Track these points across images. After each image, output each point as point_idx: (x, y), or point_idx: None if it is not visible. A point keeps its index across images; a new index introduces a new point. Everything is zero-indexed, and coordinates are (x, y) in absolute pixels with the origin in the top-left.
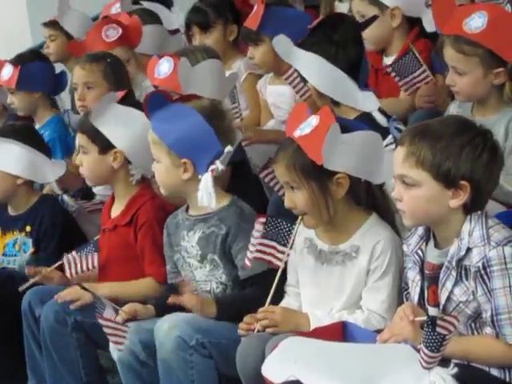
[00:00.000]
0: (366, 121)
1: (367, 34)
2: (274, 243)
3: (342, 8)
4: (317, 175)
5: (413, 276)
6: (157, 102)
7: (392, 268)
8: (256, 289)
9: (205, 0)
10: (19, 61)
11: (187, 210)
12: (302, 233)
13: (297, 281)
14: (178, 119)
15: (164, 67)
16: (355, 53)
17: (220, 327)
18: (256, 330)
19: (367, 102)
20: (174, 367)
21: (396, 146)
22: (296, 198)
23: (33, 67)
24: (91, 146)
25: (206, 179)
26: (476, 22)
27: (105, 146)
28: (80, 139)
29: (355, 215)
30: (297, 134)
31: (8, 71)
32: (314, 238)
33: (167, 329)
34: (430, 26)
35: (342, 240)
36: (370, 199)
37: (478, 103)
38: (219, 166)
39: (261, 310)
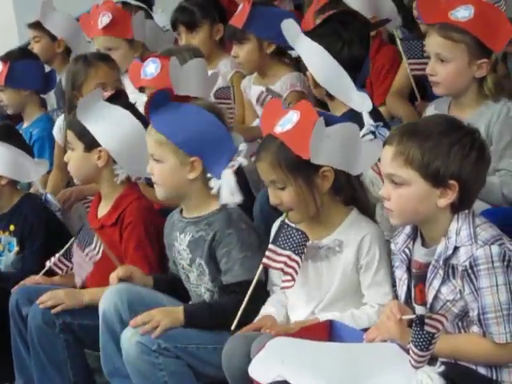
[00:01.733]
0: (355, 115)
1: None
2: (288, 252)
3: None
4: (303, 170)
5: (400, 274)
6: (161, 101)
7: (384, 260)
8: (233, 297)
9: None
10: (8, 58)
11: (181, 211)
12: None
13: (279, 282)
14: (186, 118)
15: (150, 68)
16: (359, 52)
17: (187, 332)
18: None
19: (361, 102)
20: (143, 370)
21: (384, 145)
22: (282, 195)
23: (22, 65)
24: (77, 143)
25: (228, 175)
26: (462, 13)
27: (90, 143)
28: (68, 136)
29: (337, 209)
30: (278, 130)
31: None
32: None
33: (129, 335)
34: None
35: (324, 235)
36: (350, 191)
37: (455, 101)
38: (243, 161)
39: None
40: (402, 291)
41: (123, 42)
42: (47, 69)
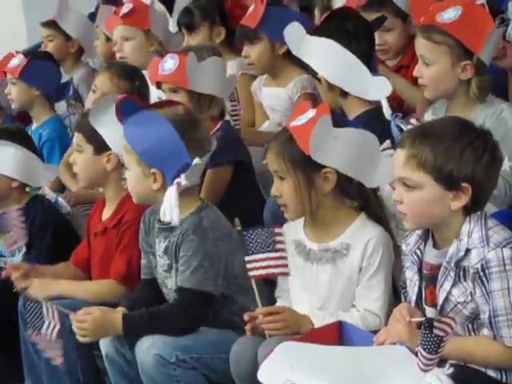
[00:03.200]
0: (371, 115)
1: None
2: (263, 255)
3: (339, 3)
4: (304, 166)
5: (411, 275)
6: (129, 108)
7: (384, 266)
8: (176, 302)
9: (195, 1)
10: (30, 53)
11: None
12: (290, 235)
13: (285, 285)
14: (148, 127)
15: (169, 63)
16: (367, 47)
17: (202, 343)
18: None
19: (379, 87)
20: (159, 382)
21: (395, 149)
22: (283, 187)
23: (41, 64)
24: (86, 146)
25: (170, 193)
26: (449, 14)
27: (100, 146)
28: (76, 138)
29: (344, 213)
30: (292, 124)
31: (17, 60)
32: (302, 239)
33: (146, 348)
34: None
35: (330, 238)
36: (362, 201)
37: (451, 104)
38: (183, 180)
39: (263, 311)
40: (412, 292)
41: (140, 33)
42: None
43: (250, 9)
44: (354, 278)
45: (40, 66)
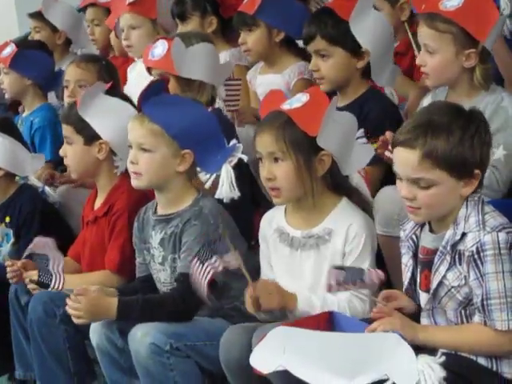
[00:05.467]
0: (375, 94)
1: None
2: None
3: None
4: (304, 148)
5: (405, 260)
6: (157, 92)
7: (368, 250)
8: (174, 289)
9: None
10: (21, 43)
11: (155, 208)
12: (272, 224)
13: (271, 273)
14: (182, 110)
15: (158, 49)
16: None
17: (195, 330)
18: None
19: (391, 76)
20: (153, 371)
21: (397, 147)
22: (277, 170)
23: (32, 54)
24: (76, 137)
25: (227, 171)
26: (452, 2)
27: (90, 136)
28: (65, 130)
29: (327, 198)
30: (285, 107)
31: (9, 49)
32: (284, 227)
33: (140, 337)
34: None
35: (313, 224)
36: (345, 188)
37: (451, 91)
38: (244, 157)
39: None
40: (405, 277)
41: (147, 22)
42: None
43: None
44: (336, 261)
45: (31, 56)
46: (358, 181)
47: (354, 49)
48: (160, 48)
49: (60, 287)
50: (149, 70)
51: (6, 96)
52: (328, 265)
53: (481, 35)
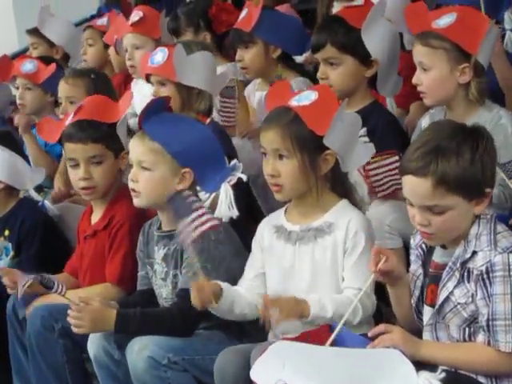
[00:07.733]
0: (377, 107)
1: None
2: (188, 218)
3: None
4: (310, 147)
5: (414, 269)
6: (157, 110)
7: (369, 246)
8: (173, 304)
9: (182, 7)
10: (50, 61)
11: (160, 223)
12: (270, 221)
13: (257, 275)
14: (183, 129)
15: (158, 56)
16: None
17: (193, 344)
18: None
19: (395, 86)
20: None
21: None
22: (282, 167)
23: (59, 72)
24: (108, 154)
25: (227, 190)
26: (445, 20)
27: (118, 149)
28: (93, 150)
29: (328, 197)
30: (293, 104)
31: (33, 66)
32: (283, 223)
33: (137, 350)
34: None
35: (313, 218)
36: (346, 187)
37: (449, 110)
38: (243, 176)
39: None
40: (414, 286)
41: (150, 42)
42: None
43: (243, 13)
44: (337, 256)
45: (57, 74)
46: (356, 178)
47: (364, 57)
48: (160, 55)
49: (62, 292)
50: (147, 77)
51: (26, 112)
52: (328, 258)
53: (472, 47)
